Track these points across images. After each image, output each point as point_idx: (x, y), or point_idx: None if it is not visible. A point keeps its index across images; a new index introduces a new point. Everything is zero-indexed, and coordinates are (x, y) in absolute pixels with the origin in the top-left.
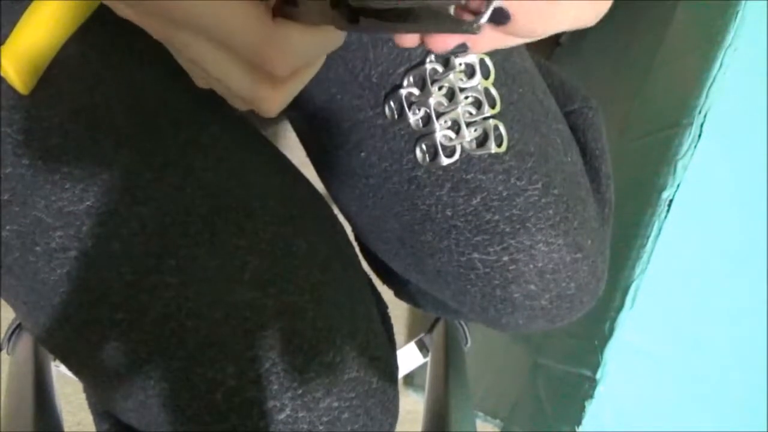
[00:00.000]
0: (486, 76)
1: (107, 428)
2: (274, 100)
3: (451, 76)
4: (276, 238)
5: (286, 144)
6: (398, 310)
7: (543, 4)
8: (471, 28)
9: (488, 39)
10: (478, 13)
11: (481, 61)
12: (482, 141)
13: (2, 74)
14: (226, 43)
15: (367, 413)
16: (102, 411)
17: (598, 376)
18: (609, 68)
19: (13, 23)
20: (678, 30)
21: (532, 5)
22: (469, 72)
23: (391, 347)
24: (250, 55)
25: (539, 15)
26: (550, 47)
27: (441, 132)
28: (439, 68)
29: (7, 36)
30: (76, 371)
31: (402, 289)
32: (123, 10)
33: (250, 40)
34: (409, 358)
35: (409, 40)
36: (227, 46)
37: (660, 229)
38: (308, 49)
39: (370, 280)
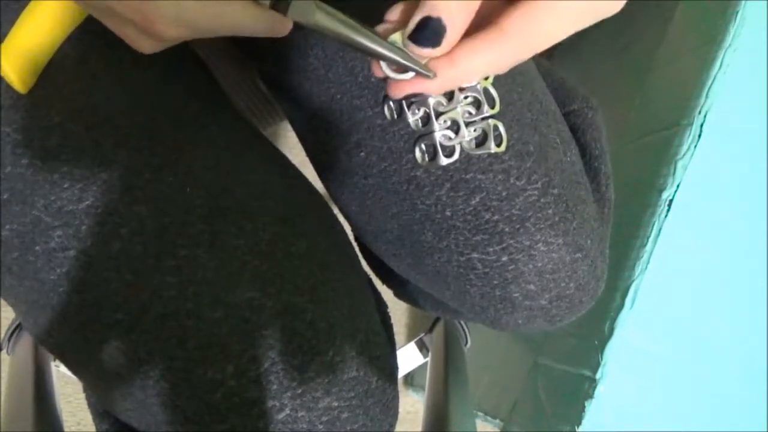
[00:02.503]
0: (485, 76)
1: (107, 428)
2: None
3: None
4: (276, 238)
5: (286, 144)
6: (398, 310)
7: None
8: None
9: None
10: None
11: None
12: (481, 141)
13: (1, 73)
14: (238, 34)
15: (367, 413)
16: (102, 411)
17: (598, 376)
18: (609, 68)
19: (12, 22)
20: (678, 30)
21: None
22: None
23: (391, 347)
24: (262, 35)
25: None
26: (551, 47)
27: (440, 132)
28: None
29: (5, 35)
30: (76, 371)
31: (402, 289)
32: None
33: (260, 30)
34: (409, 358)
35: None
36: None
37: (660, 229)
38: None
39: (370, 280)
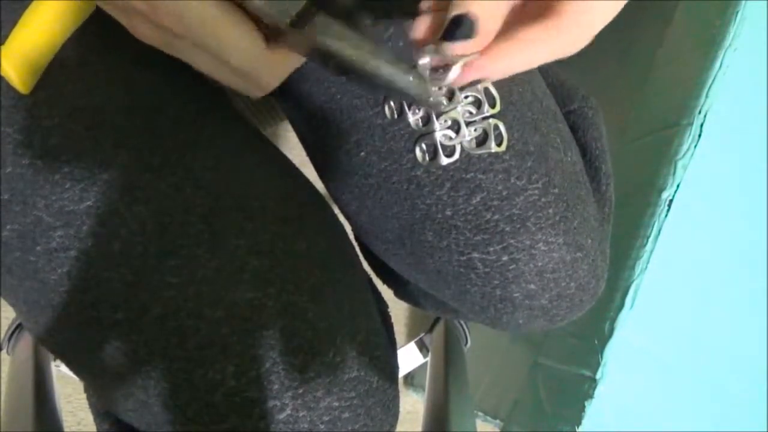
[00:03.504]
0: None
1: (107, 428)
2: (264, 91)
3: None
4: (276, 238)
5: (286, 144)
6: (398, 310)
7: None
8: (434, 104)
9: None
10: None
11: None
12: (482, 140)
13: (2, 74)
14: (223, 61)
15: (368, 413)
16: (102, 411)
17: (598, 376)
18: (609, 68)
19: (13, 23)
20: (678, 30)
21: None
22: None
23: (391, 347)
24: (245, 74)
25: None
26: None
27: (441, 131)
28: None
29: (7, 36)
30: (76, 371)
31: (402, 289)
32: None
33: (246, 62)
34: (409, 358)
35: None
36: (225, 63)
37: (660, 229)
38: (295, 65)
39: (370, 280)
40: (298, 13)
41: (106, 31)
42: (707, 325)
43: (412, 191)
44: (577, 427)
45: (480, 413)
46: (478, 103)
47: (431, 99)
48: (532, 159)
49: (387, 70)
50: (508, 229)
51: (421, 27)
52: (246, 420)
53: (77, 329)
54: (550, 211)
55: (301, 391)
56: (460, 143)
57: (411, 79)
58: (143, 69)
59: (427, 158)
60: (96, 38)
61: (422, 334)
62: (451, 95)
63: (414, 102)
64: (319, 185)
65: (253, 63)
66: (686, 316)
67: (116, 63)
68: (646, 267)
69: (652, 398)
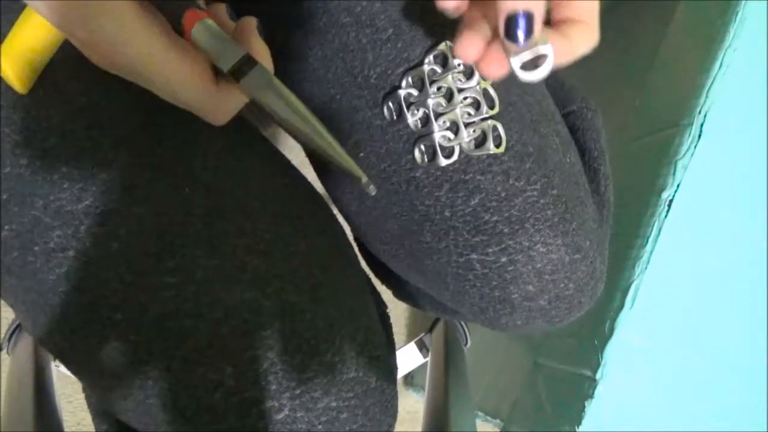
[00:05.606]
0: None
1: (107, 428)
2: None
3: (450, 76)
4: (275, 238)
5: (286, 144)
6: (398, 310)
7: None
8: (365, 186)
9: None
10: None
11: None
12: (481, 142)
13: (1, 74)
14: (170, 96)
15: (366, 413)
16: (102, 411)
17: (598, 376)
18: (609, 69)
19: (12, 22)
20: (678, 30)
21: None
22: (468, 73)
23: (391, 347)
24: (193, 110)
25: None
26: None
27: (439, 133)
28: (438, 69)
29: (6, 35)
30: (76, 371)
31: (401, 290)
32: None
33: (193, 99)
34: (409, 358)
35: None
36: (173, 98)
37: (660, 229)
38: (244, 101)
39: (369, 280)
40: (235, 64)
41: None
42: (707, 325)
43: (410, 192)
44: (577, 427)
45: (480, 413)
46: (476, 105)
47: (361, 174)
48: (531, 160)
49: (318, 139)
50: (506, 230)
51: (467, 47)
52: (244, 420)
53: (76, 330)
54: (549, 212)
55: (299, 391)
56: (459, 144)
57: (341, 152)
58: None
59: (426, 159)
60: None
61: (422, 335)
62: (449, 97)
63: (342, 173)
64: (319, 185)
65: (200, 100)
66: (686, 316)
67: None
68: (646, 267)
69: (652, 398)
